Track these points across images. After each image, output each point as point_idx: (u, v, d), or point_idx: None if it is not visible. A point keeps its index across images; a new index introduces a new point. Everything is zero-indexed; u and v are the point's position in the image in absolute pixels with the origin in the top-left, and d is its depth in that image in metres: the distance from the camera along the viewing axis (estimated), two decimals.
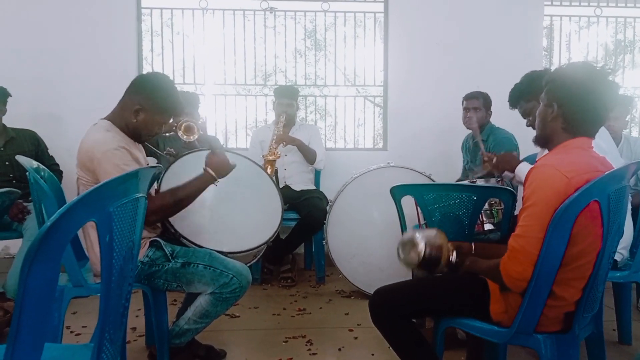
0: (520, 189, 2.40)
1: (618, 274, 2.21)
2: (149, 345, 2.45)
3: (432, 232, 1.67)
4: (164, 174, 2.23)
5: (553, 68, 2.75)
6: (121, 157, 1.91)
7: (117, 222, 1.05)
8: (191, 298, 2.24)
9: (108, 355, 1.12)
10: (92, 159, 1.91)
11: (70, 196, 2.01)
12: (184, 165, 2.30)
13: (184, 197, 2.00)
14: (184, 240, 2.12)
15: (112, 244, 1.04)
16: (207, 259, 2.04)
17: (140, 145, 2.15)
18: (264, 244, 2.34)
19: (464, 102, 3.46)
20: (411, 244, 1.64)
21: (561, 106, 1.51)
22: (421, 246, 1.61)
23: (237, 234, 2.30)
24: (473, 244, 1.80)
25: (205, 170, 2.07)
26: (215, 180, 2.07)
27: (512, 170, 2.49)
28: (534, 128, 1.68)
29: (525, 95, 2.45)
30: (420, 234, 1.64)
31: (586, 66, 1.54)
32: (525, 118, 2.51)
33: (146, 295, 2.16)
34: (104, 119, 2.06)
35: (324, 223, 3.41)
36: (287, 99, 3.80)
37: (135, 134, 2.06)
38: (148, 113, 2.01)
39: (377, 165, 3.28)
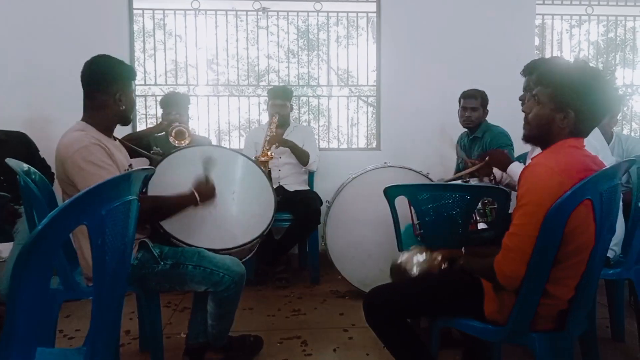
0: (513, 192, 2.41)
1: (611, 272, 2.22)
2: (142, 350, 2.44)
3: (416, 252, 1.78)
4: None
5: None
6: (95, 153, 1.86)
7: (109, 225, 1.04)
8: (198, 306, 2.25)
9: (101, 358, 1.11)
10: (65, 160, 1.86)
11: (62, 199, 2.00)
12: (170, 165, 2.28)
13: (165, 208, 2.01)
14: (174, 240, 2.10)
15: (104, 247, 1.04)
16: (196, 258, 2.02)
17: (119, 143, 2.13)
18: (258, 237, 2.31)
19: (462, 100, 3.43)
20: (400, 270, 1.77)
21: (579, 113, 1.48)
22: (410, 270, 1.74)
23: (229, 230, 2.27)
24: (463, 249, 1.80)
25: (191, 191, 2.07)
26: (197, 204, 2.07)
27: (504, 169, 2.49)
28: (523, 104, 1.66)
29: None
30: (406, 258, 1.77)
31: (596, 71, 1.51)
32: (525, 91, 2.45)
33: (139, 298, 2.15)
34: (79, 121, 2.03)
35: (319, 223, 3.41)
36: (280, 99, 3.79)
37: (124, 118, 2.07)
38: (125, 92, 2.03)
39: (374, 165, 3.27)
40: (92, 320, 1.09)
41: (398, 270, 1.77)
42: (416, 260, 1.75)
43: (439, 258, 1.74)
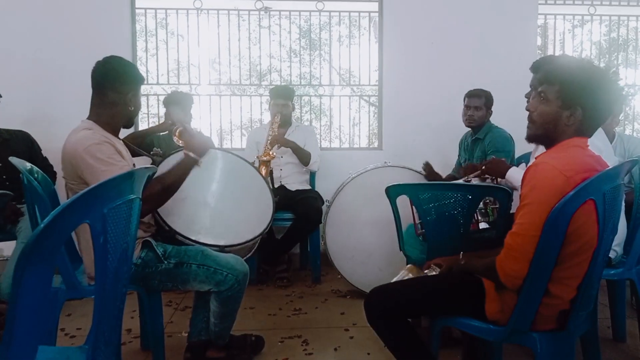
0: (515, 192, 2.40)
1: (612, 272, 2.22)
2: (144, 348, 2.45)
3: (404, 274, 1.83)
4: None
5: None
6: (105, 150, 1.87)
7: (111, 223, 1.04)
8: (199, 304, 2.26)
9: (103, 357, 1.12)
10: (75, 158, 1.87)
11: (64, 198, 2.00)
12: (170, 165, 2.30)
13: (171, 182, 1.99)
14: (180, 237, 2.11)
15: (106, 245, 1.04)
16: (200, 257, 2.03)
17: (123, 143, 2.14)
18: (258, 236, 2.34)
19: (466, 99, 3.42)
20: None
21: (586, 111, 1.49)
22: None
23: (231, 228, 2.30)
24: (461, 254, 1.79)
25: (185, 154, 2.07)
26: (198, 160, 2.07)
27: (502, 176, 2.50)
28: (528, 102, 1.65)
29: None
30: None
31: (602, 70, 1.51)
32: (532, 89, 2.42)
33: (141, 296, 2.15)
34: (85, 119, 2.04)
35: (320, 223, 3.41)
36: (282, 99, 3.80)
37: (129, 120, 2.09)
38: (135, 94, 2.07)
39: (374, 164, 3.27)
40: (93, 319, 1.09)
41: None
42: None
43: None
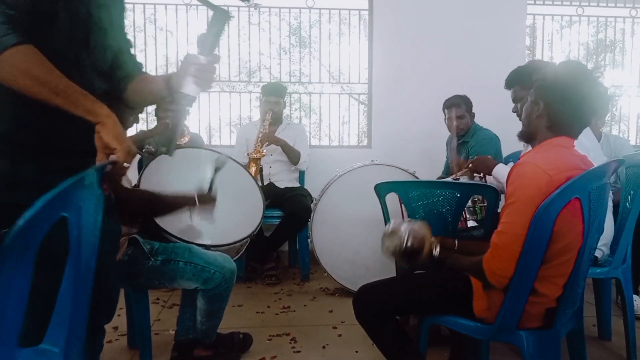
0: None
1: (598, 270, 2.24)
2: (131, 346, 2.43)
3: (416, 224, 1.68)
4: (143, 172, 2.21)
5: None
6: None
7: (84, 216, 1.02)
8: (186, 302, 2.25)
9: (75, 353, 1.10)
10: None
11: None
12: (162, 163, 2.28)
13: (162, 203, 1.96)
14: (166, 235, 2.08)
15: (80, 239, 1.02)
16: (187, 254, 2.02)
17: None
18: (246, 237, 2.32)
19: (446, 111, 3.38)
20: (395, 233, 1.65)
21: (547, 105, 1.52)
22: (404, 237, 1.62)
23: (219, 228, 2.28)
24: (456, 241, 1.80)
25: (192, 194, 2.04)
26: (194, 205, 2.03)
27: (489, 173, 2.51)
28: (518, 116, 1.69)
29: (523, 81, 2.31)
30: (405, 225, 1.65)
31: (577, 68, 1.54)
32: (515, 103, 2.43)
33: (128, 294, 2.13)
34: None
35: (309, 221, 3.40)
36: (274, 96, 3.78)
37: None
38: None
39: (362, 162, 3.27)
40: (69, 316, 1.07)
41: (393, 232, 1.65)
42: (411, 228, 1.64)
43: (434, 239, 1.70)
